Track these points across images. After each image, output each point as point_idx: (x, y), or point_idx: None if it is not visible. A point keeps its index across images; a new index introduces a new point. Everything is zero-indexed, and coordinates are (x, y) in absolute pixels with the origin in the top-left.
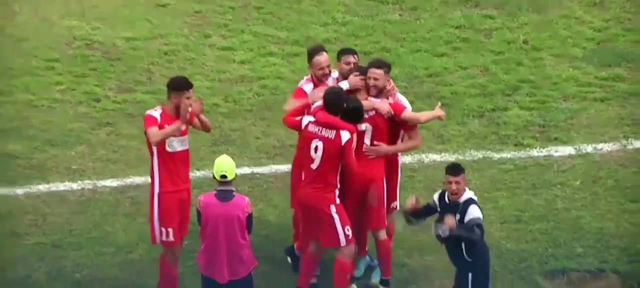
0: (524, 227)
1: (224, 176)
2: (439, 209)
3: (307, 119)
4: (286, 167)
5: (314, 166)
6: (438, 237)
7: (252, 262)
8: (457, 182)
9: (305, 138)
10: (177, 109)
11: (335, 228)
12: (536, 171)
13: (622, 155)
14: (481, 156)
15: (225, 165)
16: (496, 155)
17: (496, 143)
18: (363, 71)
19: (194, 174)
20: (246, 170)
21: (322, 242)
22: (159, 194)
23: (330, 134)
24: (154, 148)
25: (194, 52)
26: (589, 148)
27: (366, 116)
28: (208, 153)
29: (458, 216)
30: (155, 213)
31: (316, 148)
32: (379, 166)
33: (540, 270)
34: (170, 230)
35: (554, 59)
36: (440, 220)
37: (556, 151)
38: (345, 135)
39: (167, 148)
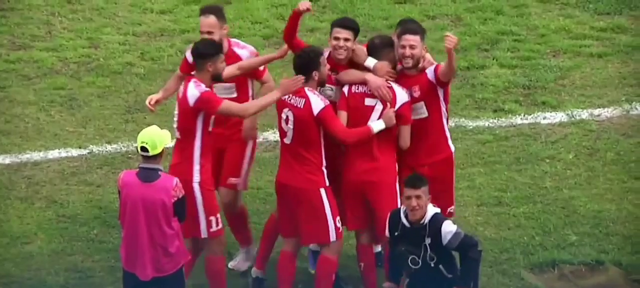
0: (505, 210)
1: (144, 148)
2: (396, 236)
3: None
4: None
5: (286, 140)
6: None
7: (183, 256)
8: (418, 197)
9: (277, 107)
10: (213, 78)
11: (325, 219)
12: (520, 142)
13: (624, 122)
14: (453, 124)
15: (146, 135)
16: (471, 124)
17: (471, 108)
18: (387, 42)
19: (104, 148)
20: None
21: (303, 237)
22: (201, 183)
23: (299, 103)
24: (199, 129)
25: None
26: (584, 114)
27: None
28: (120, 123)
29: (428, 241)
30: (200, 205)
31: (286, 119)
32: (387, 161)
33: (526, 262)
34: (218, 217)
35: (540, 6)
36: (407, 252)
37: (544, 118)
38: (317, 105)
39: (210, 128)
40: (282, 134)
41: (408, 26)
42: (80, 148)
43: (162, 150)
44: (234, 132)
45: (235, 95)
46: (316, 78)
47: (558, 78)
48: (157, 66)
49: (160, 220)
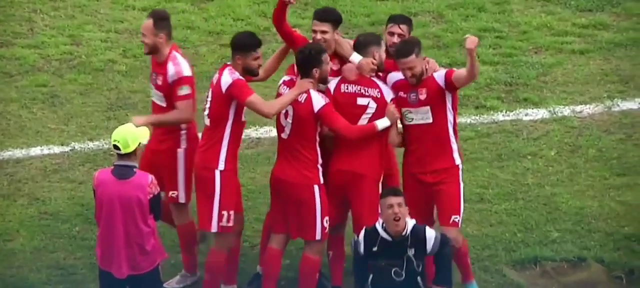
0: (487, 207)
1: (116, 146)
2: (374, 252)
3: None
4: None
5: (284, 135)
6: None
7: (159, 254)
8: (399, 204)
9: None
10: (244, 71)
11: (314, 216)
12: (502, 139)
13: (606, 119)
14: None
15: (118, 133)
16: None
17: None
18: (373, 40)
19: (86, 145)
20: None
21: (292, 232)
22: (222, 172)
23: (301, 98)
24: (231, 117)
25: None
26: (565, 111)
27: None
28: (102, 120)
29: (411, 251)
30: (217, 195)
31: (286, 114)
32: (371, 159)
33: (508, 258)
34: (230, 213)
35: (522, 3)
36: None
37: (526, 115)
38: (318, 102)
39: (244, 118)
40: (280, 129)
41: (396, 16)
42: (62, 145)
43: (136, 147)
44: (166, 146)
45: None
46: (317, 75)
47: (540, 75)
48: (139, 63)
49: (136, 217)
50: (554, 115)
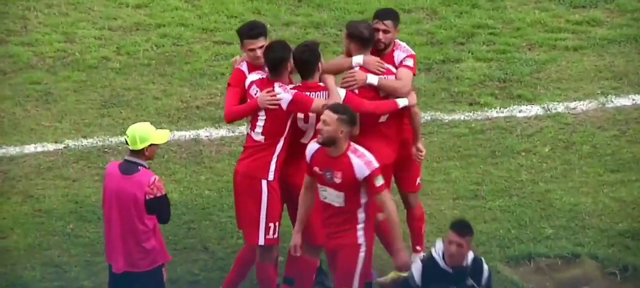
0: (481, 203)
1: (126, 141)
2: (426, 283)
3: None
4: (191, 133)
5: (304, 140)
6: None
7: (161, 256)
8: (460, 245)
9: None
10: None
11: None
12: (496, 136)
13: (600, 115)
14: (429, 118)
15: (130, 129)
16: (447, 117)
17: (447, 102)
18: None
19: (80, 143)
20: None
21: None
22: (269, 183)
23: (321, 96)
24: (286, 130)
25: None
26: (559, 107)
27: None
28: (96, 118)
29: (469, 282)
30: (264, 207)
31: (306, 117)
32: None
33: (502, 255)
34: (276, 225)
35: None
36: None
37: (520, 111)
38: (340, 93)
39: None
40: (299, 135)
41: (380, 11)
42: (56, 143)
43: (146, 147)
44: None
45: None
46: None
47: (534, 71)
48: (132, 60)
49: (132, 214)
50: (548, 112)
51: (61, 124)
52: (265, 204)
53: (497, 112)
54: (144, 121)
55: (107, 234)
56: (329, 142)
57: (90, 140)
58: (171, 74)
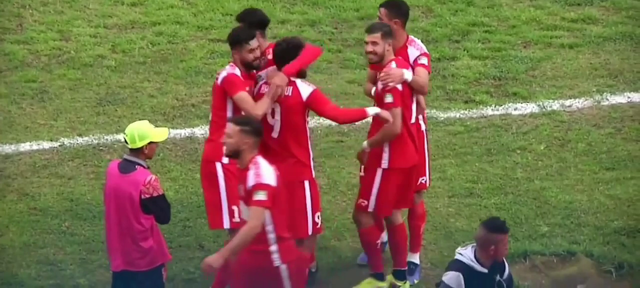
0: (476, 201)
1: (125, 140)
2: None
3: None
4: (186, 131)
5: (274, 134)
6: None
7: (161, 256)
8: (507, 243)
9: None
10: (244, 66)
11: (305, 213)
12: (491, 133)
13: (595, 113)
14: None
15: (129, 127)
16: (442, 115)
17: (442, 100)
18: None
19: (75, 141)
20: None
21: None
22: (224, 165)
23: (288, 91)
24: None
25: None
26: (555, 105)
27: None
28: (91, 116)
29: (503, 276)
30: (223, 190)
31: (273, 112)
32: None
33: None
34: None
35: None
36: None
37: (515, 109)
38: (305, 90)
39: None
40: (268, 130)
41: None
42: (51, 141)
43: (145, 145)
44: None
45: None
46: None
47: (529, 69)
48: (128, 58)
49: (128, 213)
50: (543, 110)
51: (56, 122)
52: (224, 187)
53: (492, 109)
54: (140, 119)
55: (106, 230)
56: (232, 154)
57: (85, 138)
58: (166, 71)
